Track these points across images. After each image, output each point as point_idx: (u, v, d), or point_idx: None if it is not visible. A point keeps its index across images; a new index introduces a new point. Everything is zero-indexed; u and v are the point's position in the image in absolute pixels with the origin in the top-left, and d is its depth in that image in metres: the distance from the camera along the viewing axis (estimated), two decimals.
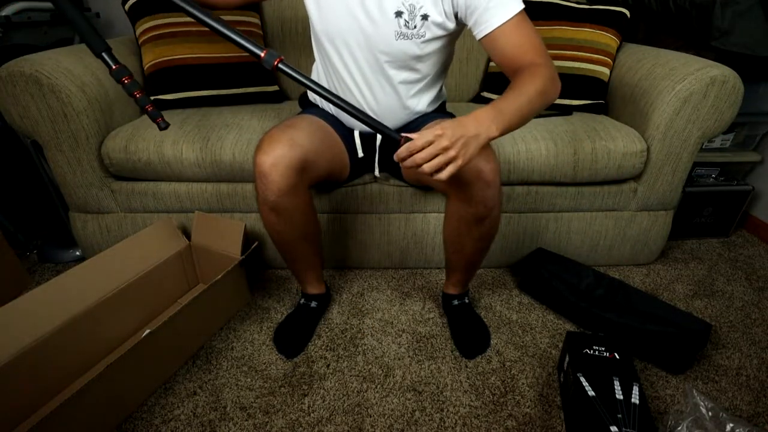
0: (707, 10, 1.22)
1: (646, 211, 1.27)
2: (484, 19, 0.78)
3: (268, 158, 0.82)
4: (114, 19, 1.72)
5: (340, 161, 1.01)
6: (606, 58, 1.33)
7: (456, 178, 0.82)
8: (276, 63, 0.63)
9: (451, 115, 1.08)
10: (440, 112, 1.08)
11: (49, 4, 1.40)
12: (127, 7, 1.31)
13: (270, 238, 0.97)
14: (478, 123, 0.68)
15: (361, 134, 1.02)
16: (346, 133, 1.03)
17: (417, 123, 1.00)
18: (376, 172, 1.08)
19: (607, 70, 1.34)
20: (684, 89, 1.09)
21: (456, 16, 0.83)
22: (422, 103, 0.99)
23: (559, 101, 1.31)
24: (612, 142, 1.14)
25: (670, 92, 1.10)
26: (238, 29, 0.66)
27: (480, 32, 0.79)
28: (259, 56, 0.64)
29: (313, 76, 1.08)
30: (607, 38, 1.34)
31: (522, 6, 0.77)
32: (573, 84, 1.34)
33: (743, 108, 1.15)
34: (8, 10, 1.26)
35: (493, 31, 0.77)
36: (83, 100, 1.07)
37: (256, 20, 1.41)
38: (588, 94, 1.34)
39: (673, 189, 1.23)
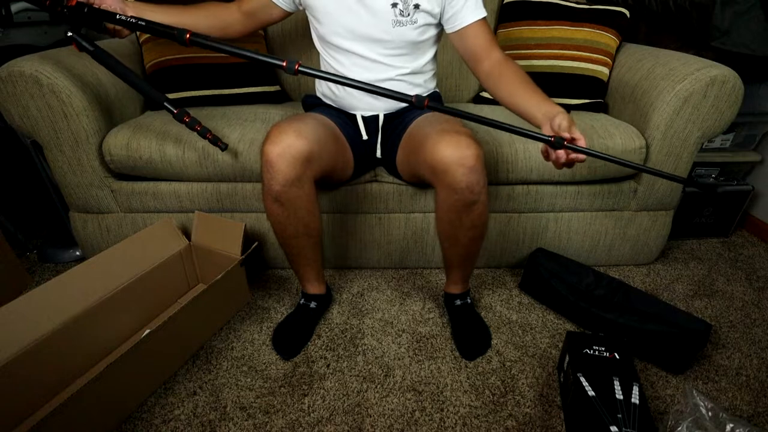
0: (707, 10, 1.22)
1: (646, 211, 1.27)
2: (461, 15, 0.96)
3: (275, 148, 0.84)
4: None
5: (344, 157, 1.03)
6: (605, 58, 1.33)
7: (440, 166, 0.85)
8: (297, 67, 0.73)
9: (440, 102, 1.15)
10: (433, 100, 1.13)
11: None
12: None
13: (273, 232, 0.99)
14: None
15: (364, 118, 1.06)
16: (351, 133, 1.05)
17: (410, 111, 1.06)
18: (378, 154, 1.10)
19: (606, 70, 1.34)
20: (684, 89, 1.09)
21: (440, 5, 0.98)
22: (418, 88, 1.08)
23: (558, 100, 1.31)
24: (610, 139, 1.14)
25: (670, 92, 1.10)
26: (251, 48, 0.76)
27: (456, 25, 0.97)
28: (282, 66, 0.73)
29: (317, 82, 1.15)
30: (607, 38, 1.34)
31: (486, 14, 0.98)
32: (572, 83, 1.34)
33: (743, 108, 1.15)
34: None
35: (467, 26, 0.96)
36: (83, 100, 1.07)
37: None
38: (587, 93, 1.34)
39: (673, 189, 1.23)
